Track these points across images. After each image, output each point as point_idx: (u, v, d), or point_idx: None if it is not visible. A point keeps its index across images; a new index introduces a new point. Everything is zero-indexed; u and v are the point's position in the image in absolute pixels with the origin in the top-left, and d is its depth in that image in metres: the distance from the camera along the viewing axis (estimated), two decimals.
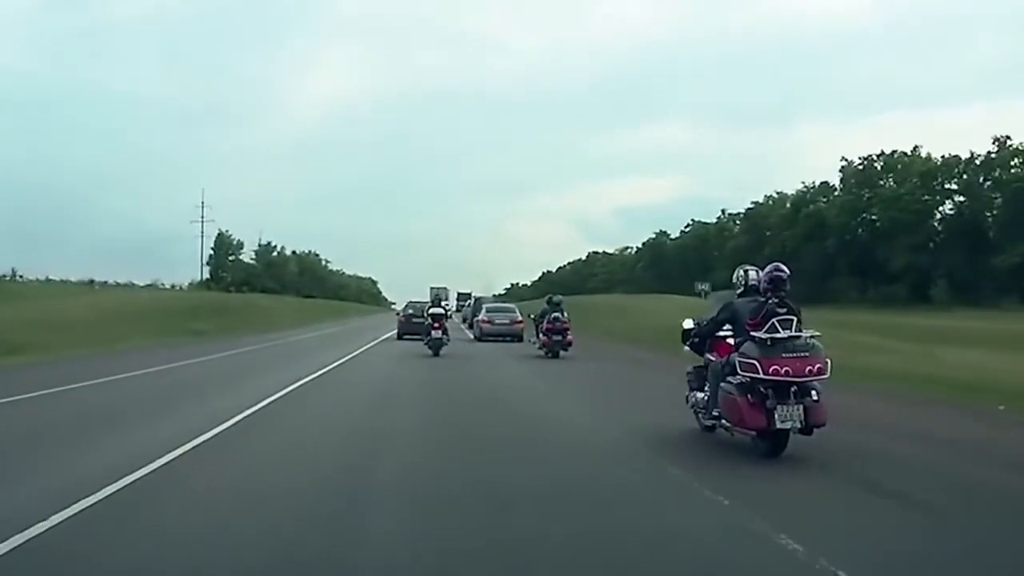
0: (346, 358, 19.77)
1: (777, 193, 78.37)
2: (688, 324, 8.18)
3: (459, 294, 73.22)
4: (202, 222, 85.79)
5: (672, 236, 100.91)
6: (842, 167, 70.43)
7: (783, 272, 6.83)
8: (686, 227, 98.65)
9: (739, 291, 7.43)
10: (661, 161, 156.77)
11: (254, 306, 52.50)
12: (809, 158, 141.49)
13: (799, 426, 6.45)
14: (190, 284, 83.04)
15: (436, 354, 19.41)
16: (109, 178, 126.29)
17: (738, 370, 6.62)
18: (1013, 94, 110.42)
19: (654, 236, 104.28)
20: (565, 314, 20.07)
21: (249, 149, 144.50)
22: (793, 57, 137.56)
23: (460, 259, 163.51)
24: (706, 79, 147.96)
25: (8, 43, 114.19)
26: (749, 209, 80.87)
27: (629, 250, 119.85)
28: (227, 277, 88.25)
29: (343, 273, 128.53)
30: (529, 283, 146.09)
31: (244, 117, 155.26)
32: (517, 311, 30.33)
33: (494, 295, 51.78)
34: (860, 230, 66.18)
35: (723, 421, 7.11)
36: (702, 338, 7.77)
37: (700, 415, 7.83)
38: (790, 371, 6.37)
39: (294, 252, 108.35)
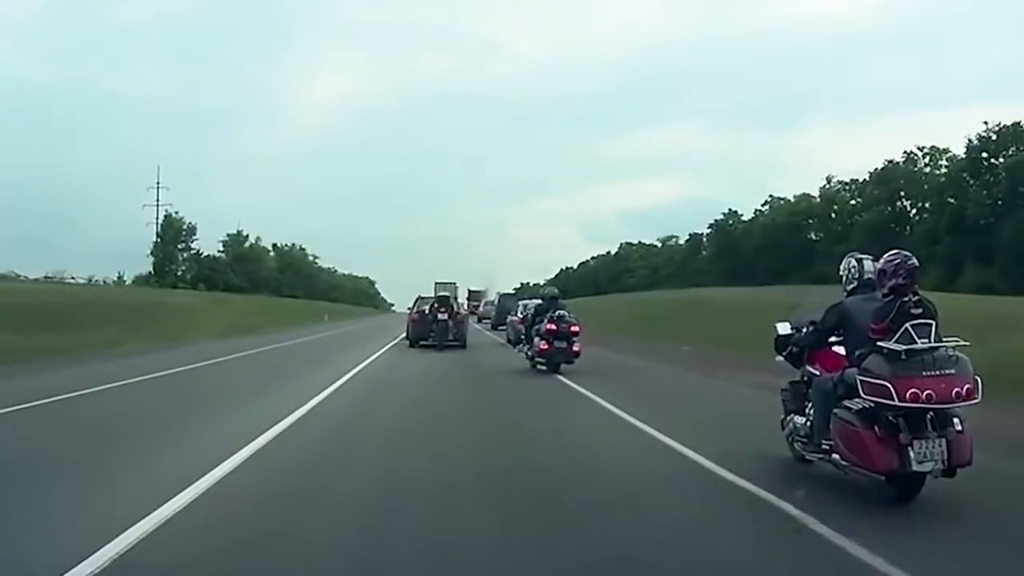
0: None
1: (919, 148, 56.61)
2: (784, 329, 6.37)
3: (470, 292, 58.02)
4: (157, 206, 65.45)
5: (744, 218, 79.88)
6: None
7: (915, 261, 5.21)
8: (762, 205, 77.82)
9: (851, 286, 5.76)
10: (665, 163, 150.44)
11: (163, 308, 32.49)
12: (814, 159, 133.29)
13: (941, 467, 4.82)
14: (118, 279, 62.51)
15: (441, 349, 22.04)
16: (104, 179, 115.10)
17: (861, 392, 4.99)
18: None
19: (722, 218, 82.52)
20: (571, 314, 15.84)
21: (248, 153, 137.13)
22: (798, 60, 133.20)
23: (462, 260, 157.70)
24: (710, 82, 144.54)
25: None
26: (880, 170, 59.06)
27: (675, 239, 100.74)
28: (175, 270, 67.56)
29: (335, 271, 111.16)
30: (543, 282, 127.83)
31: (244, 120, 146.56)
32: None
33: (497, 293, 43.91)
34: None
35: (835, 455, 5.37)
36: (801, 348, 6.10)
37: (799, 444, 6.04)
38: (933, 395, 4.76)
39: (274, 245, 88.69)
